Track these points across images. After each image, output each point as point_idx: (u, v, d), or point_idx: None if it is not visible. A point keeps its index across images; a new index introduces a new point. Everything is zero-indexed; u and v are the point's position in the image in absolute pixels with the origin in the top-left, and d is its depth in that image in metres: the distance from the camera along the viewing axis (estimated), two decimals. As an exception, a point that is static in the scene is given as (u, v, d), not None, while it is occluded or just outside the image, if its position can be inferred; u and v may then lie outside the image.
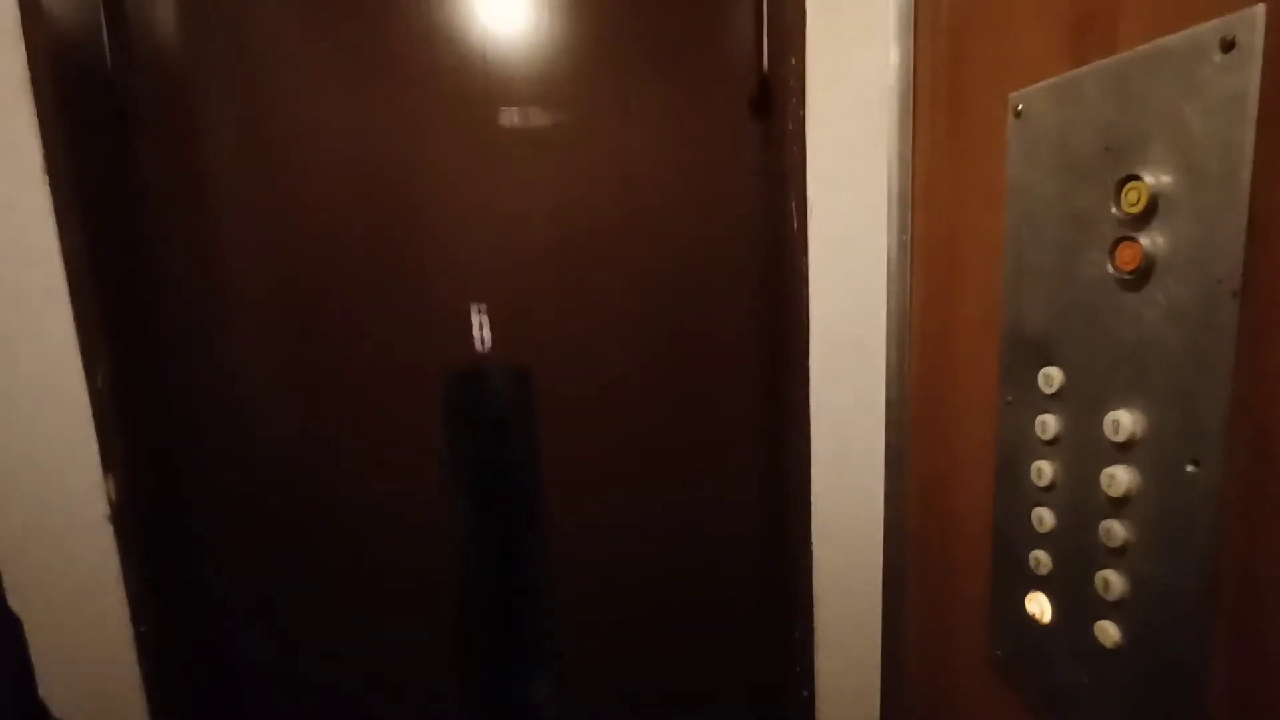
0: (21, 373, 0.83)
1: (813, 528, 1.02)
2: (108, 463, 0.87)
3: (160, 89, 0.95)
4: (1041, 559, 0.66)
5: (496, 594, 1.14)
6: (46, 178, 0.81)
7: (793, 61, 0.93)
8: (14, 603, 0.67)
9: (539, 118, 1.02)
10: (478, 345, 1.07)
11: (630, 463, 1.12)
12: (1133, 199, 0.52)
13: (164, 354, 0.99)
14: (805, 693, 1.08)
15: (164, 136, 0.96)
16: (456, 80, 1.00)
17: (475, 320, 1.06)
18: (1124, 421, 0.54)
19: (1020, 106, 0.65)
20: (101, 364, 0.86)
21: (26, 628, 0.65)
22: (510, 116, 1.02)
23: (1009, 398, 0.69)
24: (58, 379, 0.84)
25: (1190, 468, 0.49)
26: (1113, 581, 0.57)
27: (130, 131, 0.94)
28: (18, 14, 0.79)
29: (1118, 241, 0.54)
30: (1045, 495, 0.65)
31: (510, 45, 1.00)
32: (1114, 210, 0.54)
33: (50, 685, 0.65)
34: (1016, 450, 0.68)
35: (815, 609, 1.04)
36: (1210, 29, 0.46)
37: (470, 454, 1.10)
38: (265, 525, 1.06)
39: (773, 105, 1.01)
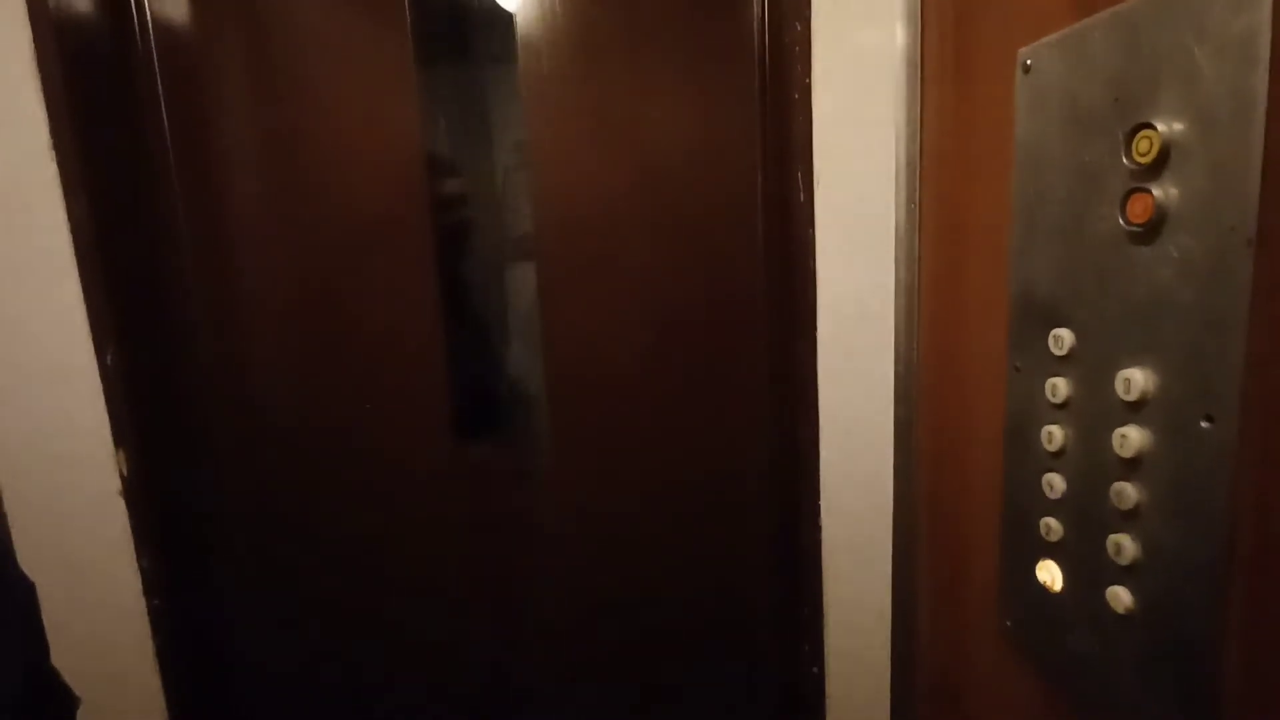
0: (32, 349, 0.84)
1: (821, 503, 1.02)
2: (119, 438, 0.88)
3: (172, 67, 0.95)
4: (1052, 526, 0.64)
5: (504, 577, 1.14)
6: (53, 152, 0.81)
7: (798, 28, 0.91)
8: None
9: (552, 92, 1.01)
10: (484, 324, 1.07)
11: (637, 438, 1.11)
12: (1144, 149, 0.50)
13: (174, 334, 1.00)
14: (815, 668, 1.08)
15: (175, 115, 0.96)
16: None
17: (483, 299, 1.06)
18: (1136, 379, 0.53)
19: (1029, 61, 0.63)
20: (111, 341, 0.87)
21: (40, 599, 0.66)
22: (524, 89, 1.01)
23: (1018, 363, 0.68)
24: (68, 355, 0.85)
25: (1204, 424, 0.48)
26: (1125, 546, 0.55)
27: (140, 108, 0.95)
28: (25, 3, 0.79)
29: (1129, 194, 0.52)
30: (1056, 460, 0.63)
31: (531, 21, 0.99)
32: (1125, 161, 0.52)
33: (63, 657, 0.66)
34: (1026, 416, 0.67)
35: (824, 584, 1.04)
36: (1224, -34, 0.44)
37: (476, 434, 1.10)
38: (272, 501, 1.07)
39: (778, 73, 0.99)
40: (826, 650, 1.06)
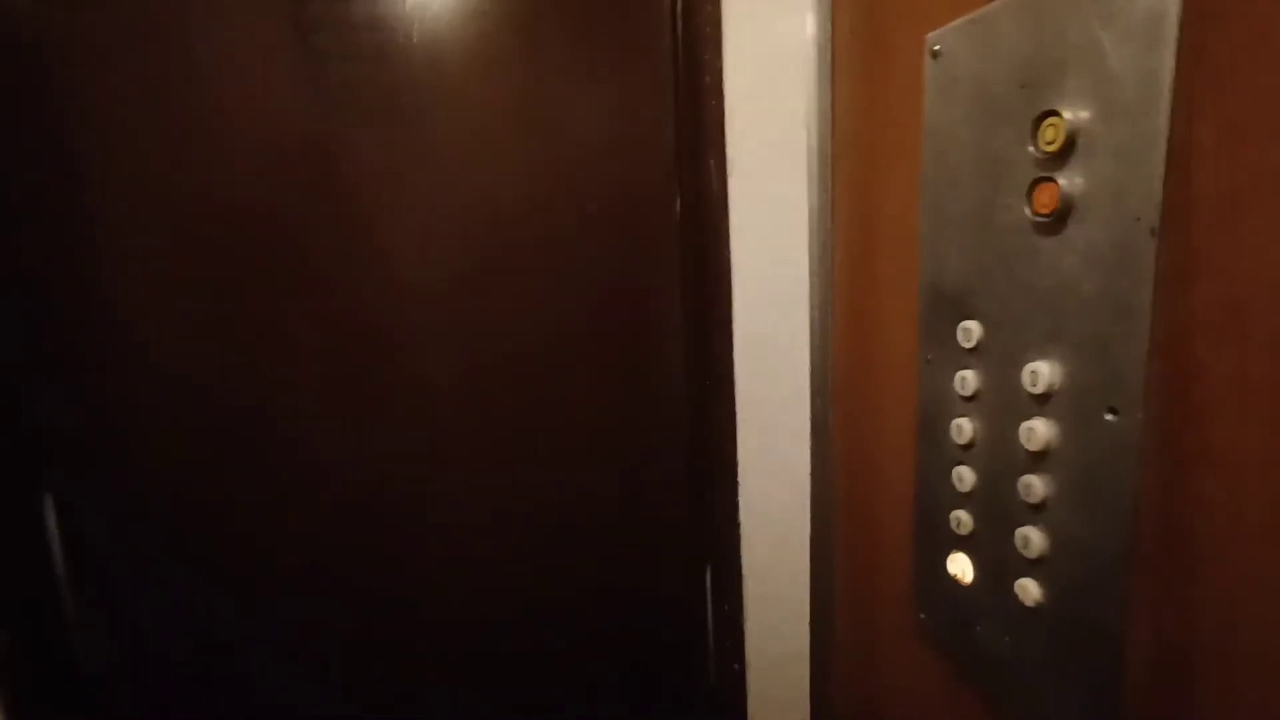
0: None
1: (740, 499, 1.00)
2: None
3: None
4: (963, 519, 0.64)
5: (393, 591, 1.06)
6: None
7: (708, 9, 0.88)
8: None
9: (451, 75, 0.93)
10: (387, 320, 0.98)
11: (548, 435, 1.06)
12: (1050, 137, 0.49)
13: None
14: (736, 665, 1.06)
15: (29, 88, 0.82)
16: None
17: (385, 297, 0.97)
18: (1042, 372, 0.52)
19: (937, 47, 0.61)
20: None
21: None
22: (424, 74, 0.93)
23: (929, 356, 0.67)
24: None
25: (1109, 416, 0.48)
26: (1032, 538, 0.55)
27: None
28: None
29: (1035, 183, 0.51)
30: (965, 453, 0.63)
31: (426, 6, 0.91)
32: (1031, 150, 0.51)
33: None
34: (937, 409, 0.66)
35: (745, 584, 1.02)
36: (1128, -52, 0.43)
37: (364, 432, 1.01)
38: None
39: (690, 59, 0.96)
40: (748, 647, 1.05)
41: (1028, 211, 0.52)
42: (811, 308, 0.90)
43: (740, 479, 0.99)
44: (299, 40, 0.89)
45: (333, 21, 0.90)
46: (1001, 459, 0.58)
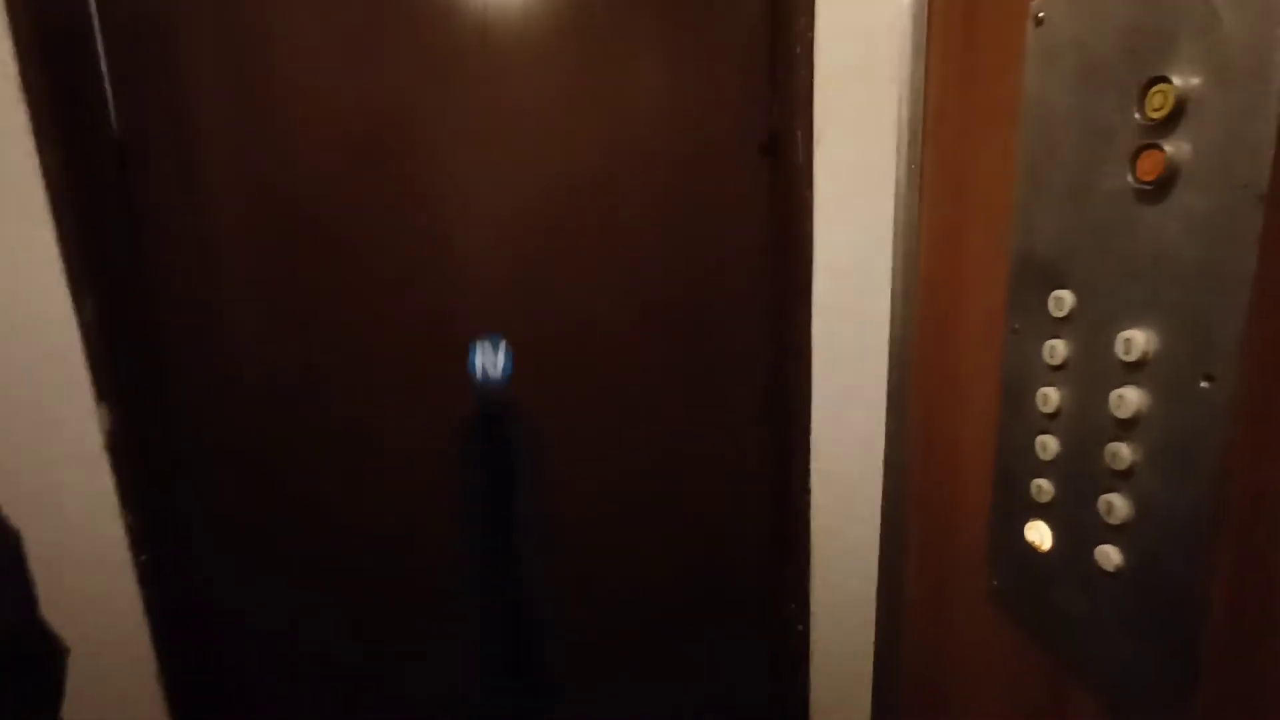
0: (8, 300, 0.81)
1: (812, 467, 1.02)
2: (101, 392, 0.86)
3: (143, 15, 0.90)
4: (1043, 487, 0.65)
5: (494, 551, 1.14)
6: (23, 95, 0.77)
7: (801, -21, 0.88)
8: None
9: (538, 59, 0.98)
10: (465, 292, 1.04)
11: (632, 401, 1.11)
12: (1157, 104, 0.49)
13: (151, 289, 0.97)
14: (800, 627, 1.09)
15: (151, 65, 0.91)
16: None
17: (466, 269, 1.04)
18: (1136, 340, 0.52)
19: (1041, 14, 0.61)
20: (89, 293, 0.84)
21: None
22: (509, 60, 0.97)
23: (1016, 325, 0.68)
24: (46, 307, 0.82)
25: (1204, 384, 0.48)
26: (1116, 504, 0.56)
27: (112, 54, 0.90)
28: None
29: (1139, 150, 0.51)
30: (1050, 422, 0.64)
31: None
32: (1137, 117, 0.51)
33: (51, 611, 0.65)
34: (1022, 378, 0.67)
35: (813, 546, 1.05)
36: (1252, -90, 0.43)
37: (461, 403, 1.08)
38: (254, 457, 1.05)
39: (780, 28, 0.97)
40: (813, 609, 1.08)
41: (1130, 179, 0.52)
42: (894, 278, 0.91)
43: (813, 445, 1.02)
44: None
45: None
46: (1088, 427, 0.59)
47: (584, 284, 1.06)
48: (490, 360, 1.02)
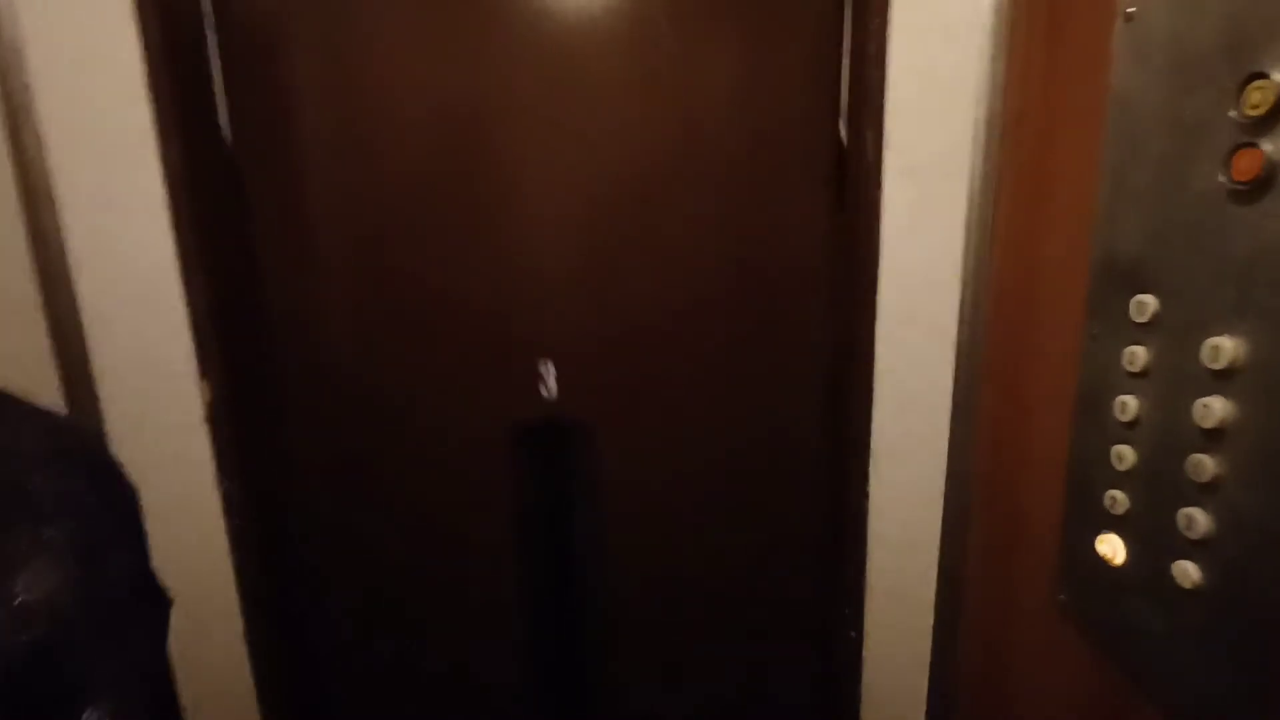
0: (128, 281, 0.89)
1: (870, 470, 1.01)
2: (204, 368, 0.94)
3: (254, 13, 0.98)
4: (1118, 498, 0.63)
5: (558, 548, 1.17)
6: (149, 93, 0.85)
7: (879, -21, 0.88)
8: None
9: (606, 46, 1.00)
10: (543, 284, 1.08)
11: (690, 402, 1.12)
12: (1255, 100, 0.47)
13: (250, 274, 1.04)
14: (853, 633, 1.08)
15: (257, 67, 0.99)
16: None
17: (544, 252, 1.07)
18: (1224, 347, 0.50)
19: (1131, 9, 0.59)
20: (198, 276, 0.92)
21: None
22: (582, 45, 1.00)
23: (1095, 331, 0.65)
24: (160, 288, 0.90)
25: (1298, 393, 0.46)
26: (1197, 519, 0.54)
27: (225, 59, 0.98)
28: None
29: (1235, 149, 0.49)
30: (1127, 431, 0.61)
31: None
32: (1233, 115, 0.49)
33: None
34: (1100, 385, 0.65)
35: (869, 552, 1.04)
36: (1369, -104, 0.41)
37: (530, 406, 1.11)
38: (334, 439, 1.11)
39: (854, 28, 0.96)
40: (866, 617, 1.06)
41: (1224, 179, 0.50)
42: (963, 284, 0.90)
43: (872, 451, 1.00)
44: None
45: None
46: (1169, 437, 0.57)
47: (647, 287, 1.07)
48: (551, 373, 1.06)
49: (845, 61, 0.99)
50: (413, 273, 1.06)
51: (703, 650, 1.22)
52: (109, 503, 0.56)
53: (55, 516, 0.48)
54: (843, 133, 1.01)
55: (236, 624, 1.03)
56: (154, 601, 0.59)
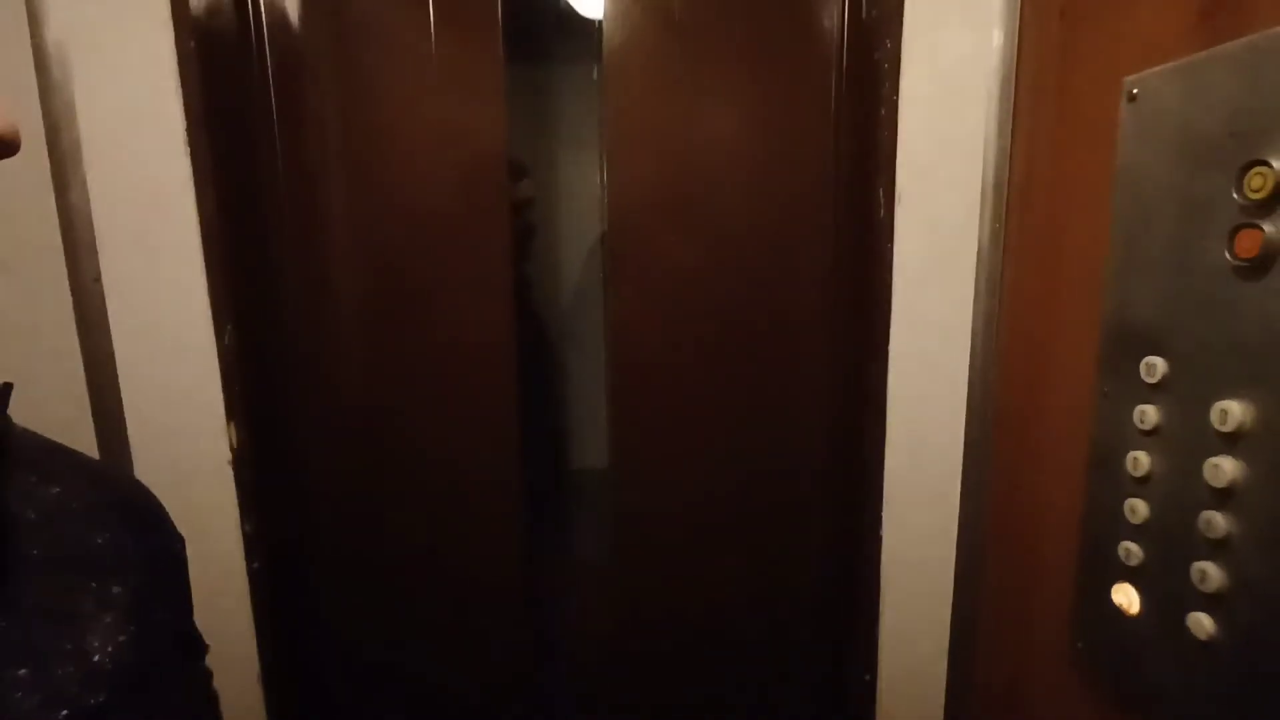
0: (162, 326, 0.91)
1: (884, 515, 1.03)
2: (230, 411, 0.95)
3: (281, 78, 1.02)
4: (1132, 550, 0.65)
5: (559, 575, 1.18)
6: (188, 149, 0.88)
7: (888, 45, 0.93)
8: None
9: (630, 97, 1.05)
10: (549, 317, 1.11)
11: (699, 440, 1.14)
12: (1257, 185, 0.51)
13: (275, 320, 1.07)
14: (867, 677, 1.09)
15: (283, 122, 1.03)
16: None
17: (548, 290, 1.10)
18: (1233, 411, 0.53)
19: (1135, 90, 0.63)
20: (229, 322, 0.94)
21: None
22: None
23: (1106, 389, 0.69)
24: (192, 334, 0.92)
25: (1305, 459, 0.49)
26: (1210, 573, 0.56)
27: (255, 115, 1.01)
28: (169, 6, 0.86)
29: (1237, 229, 0.53)
30: (1140, 487, 0.64)
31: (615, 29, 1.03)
32: (1235, 197, 0.53)
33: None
34: (1112, 441, 0.67)
35: (882, 595, 1.05)
36: (1355, 10, 0.45)
37: (539, 426, 1.14)
38: (350, 482, 1.13)
39: (864, 88, 1.01)
40: (880, 660, 1.07)
41: (1228, 255, 0.54)
42: (973, 335, 0.93)
43: (886, 497, 1.02)
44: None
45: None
46: (1181, 493, 0.60)
47: (657, 325, 1.10)
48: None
49: (857, 123, 1.04)
50: (436, 318, 1.09)
51: (710, 689, 1.22)
52: (158, 555, 0.57)
53: (115, 571, 0.49)
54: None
55: (252, 667, 1.03)
56: (193, 652, 0.60)
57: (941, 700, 1.02)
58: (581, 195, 1.07)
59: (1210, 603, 0.57)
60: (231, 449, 0.96)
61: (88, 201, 0.85)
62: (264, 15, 1.01)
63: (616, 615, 1.19)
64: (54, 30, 0.83)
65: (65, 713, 0.39)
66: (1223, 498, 0.55)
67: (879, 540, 1.04)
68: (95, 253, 0.86)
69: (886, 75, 0.94)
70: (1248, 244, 0.52)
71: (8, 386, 0.42)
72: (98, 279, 0.87)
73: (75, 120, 0.83)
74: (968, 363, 0.93)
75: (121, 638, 0.45)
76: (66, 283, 0.86)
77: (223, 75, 0.95)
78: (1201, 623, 0.57)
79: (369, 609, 1.17)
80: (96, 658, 0.42)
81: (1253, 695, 0.54)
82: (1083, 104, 0.72)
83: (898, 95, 0.93)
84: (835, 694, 1.19)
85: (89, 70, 0.84)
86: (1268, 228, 0.50)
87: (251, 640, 1.01)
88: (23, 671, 0.38)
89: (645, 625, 1.19)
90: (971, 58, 0.87)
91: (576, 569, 1.19)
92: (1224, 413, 0.54)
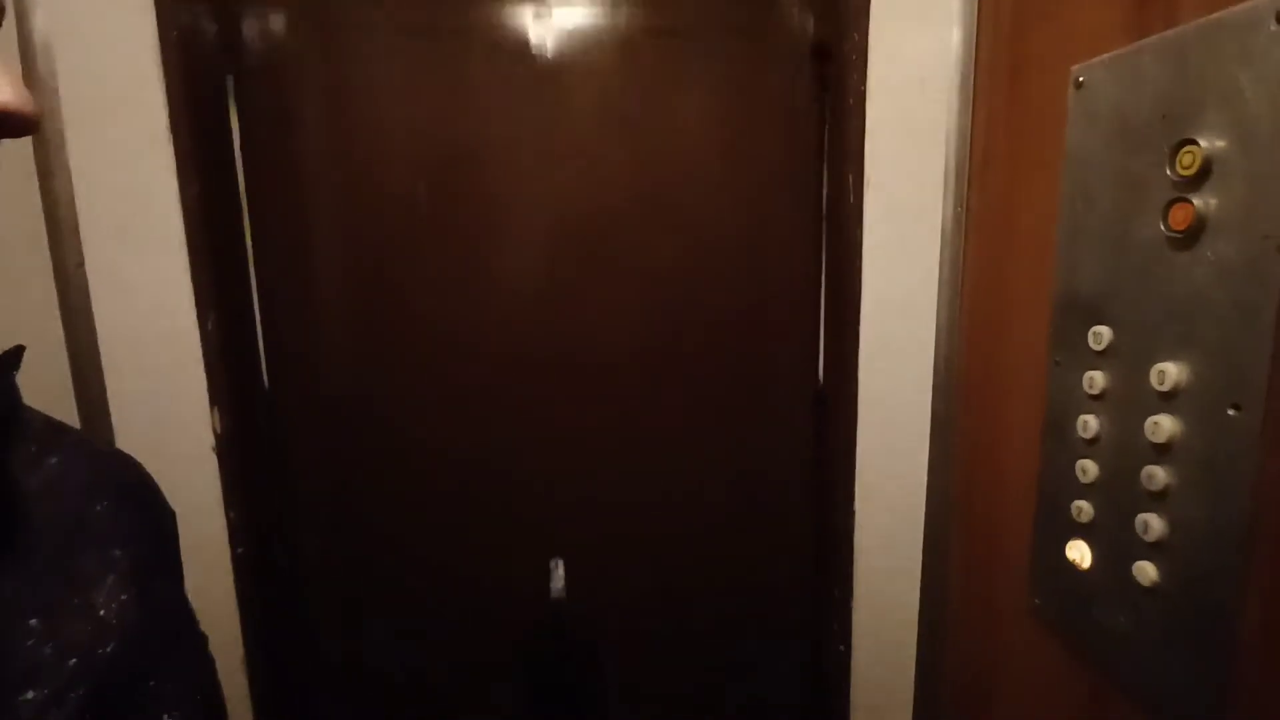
0: (145, 313, 0.92)
1: (856, 488, 1.07)
2: (214, 397, 0.96)
3: (253, 76, 1.03)
4: (1083, 508, 0.70)
5: (545, 572, 1.20)
6: (170, 136, 0.89)
7: (855, 38, 0.97)
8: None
9: (585, 87, 1.07)
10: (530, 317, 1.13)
11: (679, 425, 1.17)
12: (1187, 162, 0.56)
13: (262, 309, 1.07)
14: (842, 647, 1.13)
15: (264, 116, 1.03)
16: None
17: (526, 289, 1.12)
18: (1169, 372, 0.58)
19: (1081, 78, 0.68)
20: (211, 309, 0.95)
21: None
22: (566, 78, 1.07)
23: (1058, 359, 0.73)
24: (175, 320, 0.93)
25: (1231, 412, 0.53)
26: (1152, 523, 0.61)
27: (241, 106, 1.02)
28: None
29: (1171, 203, 0.57)
30: (1090, 447, 0.69)
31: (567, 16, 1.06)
32: (1168, 173, 0.57)
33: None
34: (1064, 407, 0.72)
35: (855, 567, 1.09)
36: (1266, 2, 0.49)
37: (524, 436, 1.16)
38: (334, 468, 1.14)
39: (832, 82, 1.05)
40: (855, 630, 1.12)
41: (1163, 228, 0.58)
42: (938, 313, 0.98)
43: (858, 470, 1.07)
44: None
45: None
46: (1125, 452, 0.64)
47: (628, 312, 1.13)
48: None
49: (825, 114, 1.08)
50: (412, 308, 1.10)
51: (688, 665, 1.26)
52: (154, 527, 0.59)
53: (115, 537, 0.51)
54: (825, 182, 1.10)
55: (237, 652, 1.03)
56: (194, 630, 0.62)
57: (913, 663, 1.06)
58: (551, 190, 1.09)
59: (1152, 551, 0.62)
60: (215, 435, 0.97)
61: (71, 188, 0.86)
62: (245, 5, 1.01)
63: (600, 601, 1.21)
64: (40, 21, 0.83)
65: (74, 661, 0.41)
66: (1162, 452, 0.60)
67: (852, 514, 1.08)
68: (78, 239, 0.87)
69: (854, 66, 0.98)
70: (1180, 217, 0.57)
71: (19, 349, 0.43)
72: (81, 265, 0.88)
73: (59, 108, 0.84)
74: (933, 339, 0.98)
75: (124, 596, 0.47)
76: (50, 269, 0.86)
77: (205, 64, 0.96)
78: (1146, 570, 0.62)
79: (352, 595, 1.18)
80: (102, 612, 0.44)
81: (1193, 637, 0.58)
82: (1035, 92, 0.77)
83: (865, 85, 0.97)
84: (813, 665, 1.23)
85: (72, 59, 0.85)
86: (1197, 201, 0.55)
87: (236, 625, 1.02)
88: (33, 621, 0.40)
89: (624, 603, 1.22)
90: (934, 49, 0.92)
91: (555, 553, 1.20)
92: (1162, 373, 0.59)
